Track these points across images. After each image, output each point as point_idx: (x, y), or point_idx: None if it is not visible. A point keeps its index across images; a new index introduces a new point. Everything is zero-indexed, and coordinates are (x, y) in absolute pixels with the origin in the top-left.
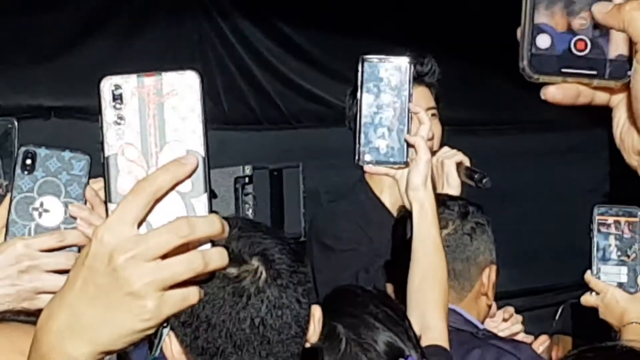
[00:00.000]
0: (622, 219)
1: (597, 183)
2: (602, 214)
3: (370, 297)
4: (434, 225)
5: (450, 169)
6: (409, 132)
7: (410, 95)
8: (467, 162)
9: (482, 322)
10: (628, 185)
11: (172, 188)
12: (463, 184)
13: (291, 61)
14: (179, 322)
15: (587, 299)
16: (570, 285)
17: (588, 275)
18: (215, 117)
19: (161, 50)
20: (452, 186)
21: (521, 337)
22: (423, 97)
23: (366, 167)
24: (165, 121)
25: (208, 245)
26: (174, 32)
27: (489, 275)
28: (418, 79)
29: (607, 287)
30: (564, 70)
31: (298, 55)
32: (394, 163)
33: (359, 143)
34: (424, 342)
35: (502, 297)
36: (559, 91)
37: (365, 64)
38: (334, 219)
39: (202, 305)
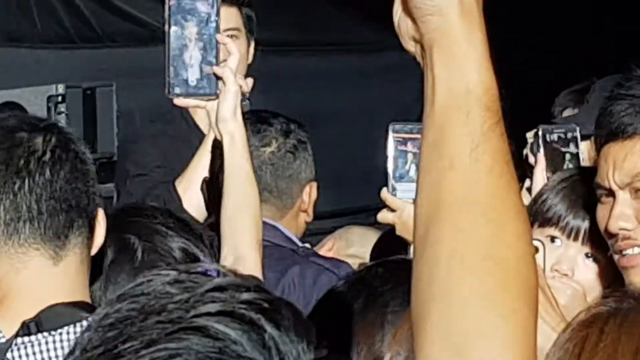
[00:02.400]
0: (419, 136)
1: (408, 105)
2: (397, 132)
3: (158, 210)
4: (245, 156)
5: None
6: (217, 63)
7: (217, 26)
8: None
9: (301, 239)
10: None
11: None
12: None
13: None
14: None
15: (384, 216)
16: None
17: (384, 193)
18: (28, 35)
19: None
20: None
21: None
22: (226, 18)
23: (176, 100)
24: None
25: None
26: None
27: (309, 193)
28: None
29: (403, 204)
30: None
31: None
32: (204, 95)
33: (169, 76)
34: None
35: (315, 218)
36: None
37: None
38: (139, 141)
39: None
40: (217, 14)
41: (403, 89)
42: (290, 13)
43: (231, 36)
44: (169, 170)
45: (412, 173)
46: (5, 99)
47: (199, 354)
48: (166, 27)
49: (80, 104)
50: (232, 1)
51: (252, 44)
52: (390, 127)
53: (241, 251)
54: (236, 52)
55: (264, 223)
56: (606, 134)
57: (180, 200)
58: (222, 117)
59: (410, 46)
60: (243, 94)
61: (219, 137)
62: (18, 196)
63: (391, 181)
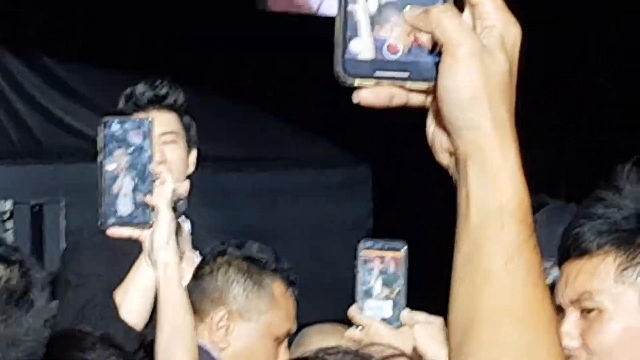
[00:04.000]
0: (387, 254)
1: (360, 220)
2: (367, 248)
3: (95, 341)
4: (179, 285)
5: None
6: (151, 192)
7: (150, 156)
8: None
9: None
10: (391, 222)
11: None
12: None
13: (54, 95)
14: None
15: (352, 334)
16: (340, 321)
17: (352, 310)
18: None
19: None
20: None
21: None
22: (165, 122)
23: (109, 231)
24: None
25: None
26: None
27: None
28: (157, 103)
29: (370, 322)
30: (377, 73)
31: (61, 89)
32: (138, 224)
33: (102, 206)
34: None
35: None
36: (371, 95)
37: (106, 125)
38: (82, 251)
39: None
40: (151, 142)
41: (355, 205)
42: (242, 129)
43: (170, 141)
44: (109, 279)
45: (379, 290)
46: None
47: None
48: (100, 157)
49: (27, 221)
50: (170, 107)
51: (194, 153)
52: (360, 244)
53: None
54: (170, 181)
55: (202, 349)
56: (563, 252)
57: (117, 309)
58: (156, 246)
59: (444, 159)
60: (179, 198)
61: (151, 267)
62: None
63: (359, 299)
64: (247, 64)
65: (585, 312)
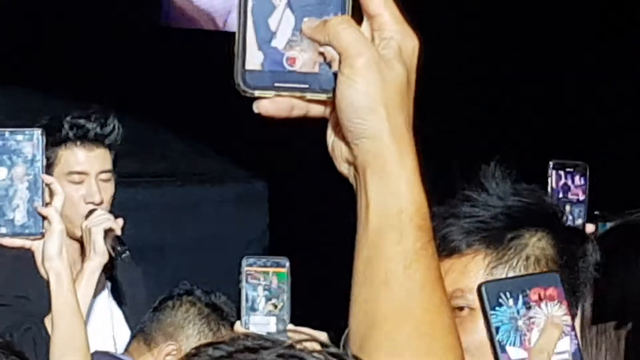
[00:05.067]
0: (271, 270)
1: (256, 235)
2: (250, 265)
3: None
4: (72, 294)
5: (96, 236)
6: (43, 202)
7: (43, 166)
8: (118, 228)
9: None
10: (287, 237)
11: None
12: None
13: None
14: None
15: None
16: None
17: (237, 326)
18: None
19: None
20: (98, 253)
21: None
22: (99, 160)
23: (1, 240)
24: None
25: None
26: None
27: None
28: (98, 141)
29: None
30: (276, 84)
31: None
32: (30, 234)
33: None
34: None
35: None
36: (272, 105)
37: None
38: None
39: None
40: (42, 153)
41: (251, 220)
42: (137, 145)
43: (106, 179)
44: (29, 302)
45: (263, 306)
46: None
47: None
48: None
49: None
50: (109, 144)
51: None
52: (244, 261)
53: None
54: (61, 192)
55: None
56: (440, 251)
57: (49, 337)
58: (48, 256)
59: (344, 169)
60: (119, 237)
61: (44, 277)
62: None
63: (244, 314)
64: (143, 79)
65: (457, 310)
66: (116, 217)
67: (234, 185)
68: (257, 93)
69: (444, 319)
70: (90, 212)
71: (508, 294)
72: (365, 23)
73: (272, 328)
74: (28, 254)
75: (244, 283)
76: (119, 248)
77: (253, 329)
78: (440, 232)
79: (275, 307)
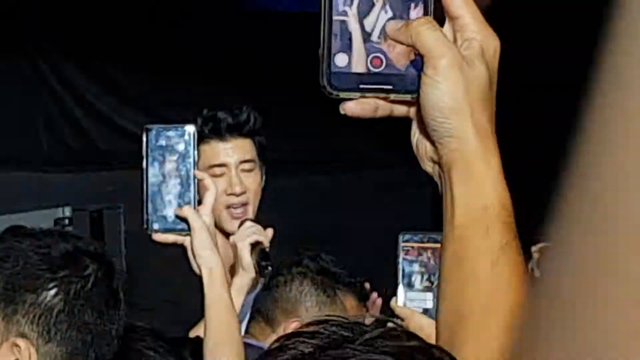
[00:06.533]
0: (427, 245)
1: (421, 220)
2: (406, 241)
3: (146, 331)
4: (224, 288)
5: (242, 252)
6: (194, 199)
7: (195, 162)
8: (266, 241)
9: None
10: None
11: None
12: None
13: (112, 101)
14: None
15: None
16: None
17: (393, 302)
18: (35, 158)
19: None
20: (246, 269)
21: None
22: (237, 151)
23: (154, 236)
24: None
25: None
26: None
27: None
28: (234, 131)
29: (412, 313)
30: (361, 86)
31: (117, 94)
32: (182, 230)
33: (147, 212)
34: None
35: None
36: (357, 106)
37: (149, 133)
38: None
39: None
40: (195, 149)
41: (414, 205)
42: (300, 132)
43: (248, 169)
44: (176, 306)
45: (420, 282)
46: (12, 223)
47: None
48: (144, 163)
49: (87, 227)
50: (246, 133)
51: (264, 169)
52: (400, 237)
53: None
54: (213, 188)
55: (251, 345)
56: None
57: None
58: (197, 252)
59: (429, 167)
60: (264, 251)
61: (197, 272)
62: None
63: (400, 290)
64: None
65: None
66: (265, 227)
67: (400, 170)
68: (342, 95)
69: None
70: (242, 223)
71: None
72: (447, 24)
73: (429, 304)
74: (182, 258)
75: (400, 259)
76: (263, 263)
77: (409, 305)
78: None
79: (432, 283)
